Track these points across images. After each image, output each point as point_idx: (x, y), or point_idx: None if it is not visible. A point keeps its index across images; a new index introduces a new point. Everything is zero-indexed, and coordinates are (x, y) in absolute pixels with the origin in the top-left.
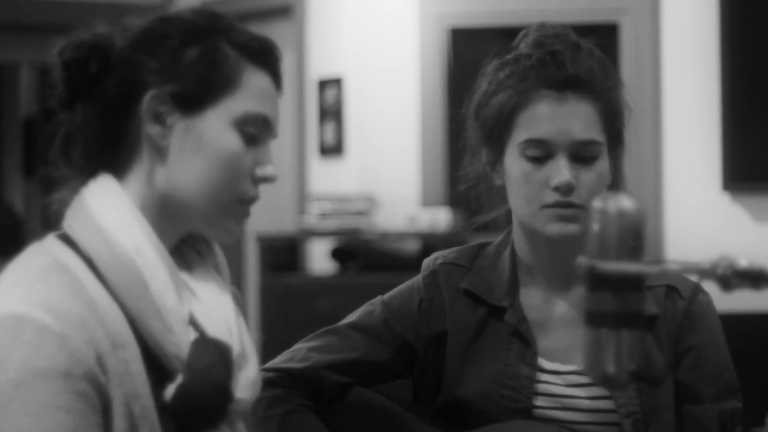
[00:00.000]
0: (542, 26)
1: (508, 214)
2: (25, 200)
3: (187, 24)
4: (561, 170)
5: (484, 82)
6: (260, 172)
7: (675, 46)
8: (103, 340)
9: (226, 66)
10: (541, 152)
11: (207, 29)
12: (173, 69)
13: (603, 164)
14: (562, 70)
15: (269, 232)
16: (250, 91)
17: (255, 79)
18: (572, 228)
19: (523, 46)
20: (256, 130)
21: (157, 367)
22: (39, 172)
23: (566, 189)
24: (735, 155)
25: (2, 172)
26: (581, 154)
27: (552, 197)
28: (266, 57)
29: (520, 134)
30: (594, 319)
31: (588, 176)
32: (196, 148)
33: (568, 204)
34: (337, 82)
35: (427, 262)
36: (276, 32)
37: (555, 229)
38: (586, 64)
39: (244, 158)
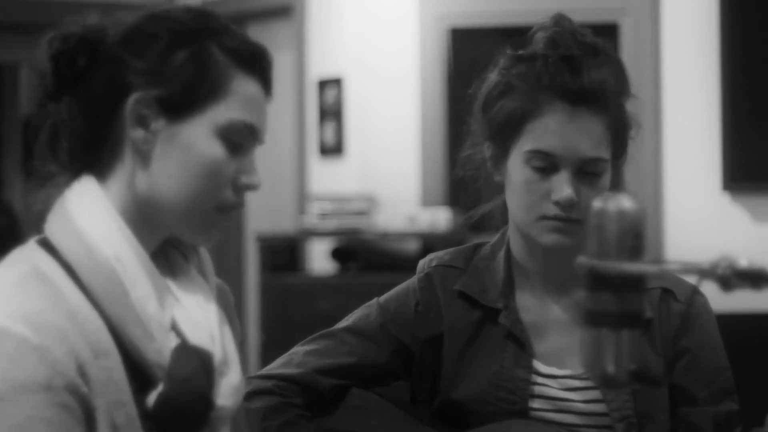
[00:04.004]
0: (559, 21)
1: (505, 211)
2: (24, 200)
3: (178, 24)
4: (564, 186)
5: (494, 74)
6: (244, 180)
7: (675, 46)
8: (84, 350)
9: (214, 72)
10: (545, 164)
11: (198, 31)
12: (160, 72)
13: (605, 180)
14: (577, 80)
15: (269, 232)
16: (238, 99)
17: (243, 87)
18: (568, 240)
19: (538, 37)
20: (240, 139)
21: (139, 375)
22: (30, 167)
23: (567, 205)
24: (735, 155)
25: (2, 172)
26: (586, 170)
27: (552, 210)
28: (257, 63)
29: (527, 143)
30: (594, 319)
31: (590, 193)
32: (179, 154)
33: (567, 219)
34: (337, 82)
35: (422, 264)
36: (276, 32)
37: (551, 239)
38: (603, 74)
39: (226, 167)
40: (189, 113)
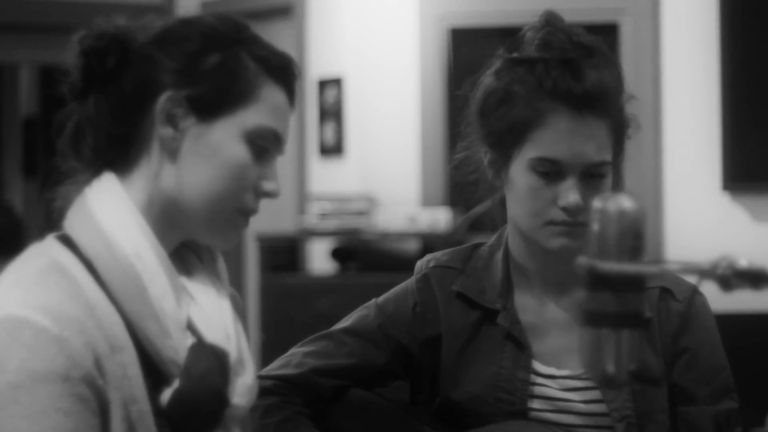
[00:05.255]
0: (550, 21)
1: (501, 212)
2: (25, 200)
3: (209, 29)
4: (571, 192)
5: (491, 78)
6: (266, 186)
7: (675, 46)
8: (101, 343)
9: (245, 77)
10: (552, 170)
11: (229, 37)
12: (192, 72)
13: (608, 181)
14: (580, 85)
15: (269, 232)
16: (266, 106)
17: (271, 94)
18: (575, 244)
19: (530, 38)
20: (266, 144)
21: (154, 371)
22: (41, 170)
23: (575, 210)
24: (735, 155)
25: (2, 172)
26: (591, 174)
27: (559, 215)
28: (285, 73)
29: (532, 150)
30: (594, 319)
31: (595, 195)
32: (205, 154)
33: (574, 223)
34: (337, 82)
35: (419, 264)
36: (276, 32)
37: (558, 243)
38: (603, 76)
39: (251, 171)
40: (218, 114)
